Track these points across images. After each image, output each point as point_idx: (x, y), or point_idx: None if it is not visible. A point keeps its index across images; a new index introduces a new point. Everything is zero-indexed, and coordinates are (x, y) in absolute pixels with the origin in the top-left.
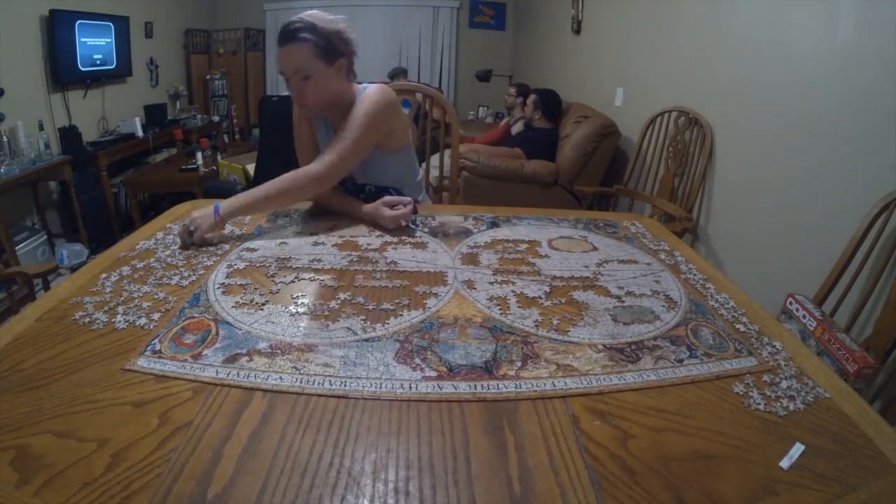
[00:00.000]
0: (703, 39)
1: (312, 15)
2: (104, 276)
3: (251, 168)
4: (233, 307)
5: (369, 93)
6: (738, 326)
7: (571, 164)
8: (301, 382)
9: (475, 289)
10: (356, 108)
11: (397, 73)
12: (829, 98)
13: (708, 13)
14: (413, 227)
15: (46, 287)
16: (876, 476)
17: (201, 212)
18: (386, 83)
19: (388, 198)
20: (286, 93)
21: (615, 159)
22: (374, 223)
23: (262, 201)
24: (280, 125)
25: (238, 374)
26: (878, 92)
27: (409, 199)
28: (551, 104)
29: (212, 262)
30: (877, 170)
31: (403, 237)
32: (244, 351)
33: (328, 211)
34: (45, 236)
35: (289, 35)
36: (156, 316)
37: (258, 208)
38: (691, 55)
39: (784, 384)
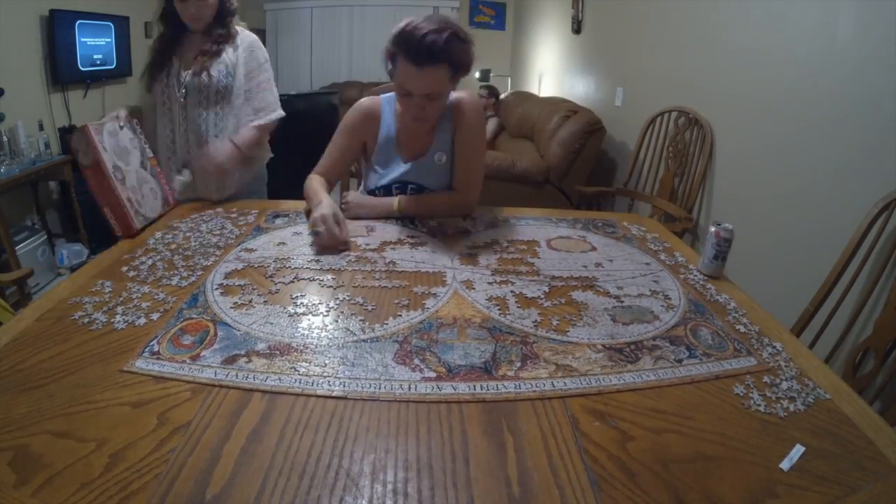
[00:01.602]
0: (704, 40)
1: (449, 26)
2: (104, 276)
3: None
4: (231, 308)
5: (478, 108)
6: (738, 327)
7: (559, 161)
8: (300, 383)
9: (474, 289)
10: (473, 128)
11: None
12: (830, 98)
13: (708, 13)
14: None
15: (22, 293)
16: (876, 477)
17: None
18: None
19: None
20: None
21: (603, 157)
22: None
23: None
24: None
25: (236, 376)
26: (879, 92)
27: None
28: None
29: (210, 262)
30: (877, 169)
31: (402, 237)
32: (243, 352)
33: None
34: (45, 236)
35: (429, 55)
36: (155, 316)
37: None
38: (691, 55)
39: (784, 385)
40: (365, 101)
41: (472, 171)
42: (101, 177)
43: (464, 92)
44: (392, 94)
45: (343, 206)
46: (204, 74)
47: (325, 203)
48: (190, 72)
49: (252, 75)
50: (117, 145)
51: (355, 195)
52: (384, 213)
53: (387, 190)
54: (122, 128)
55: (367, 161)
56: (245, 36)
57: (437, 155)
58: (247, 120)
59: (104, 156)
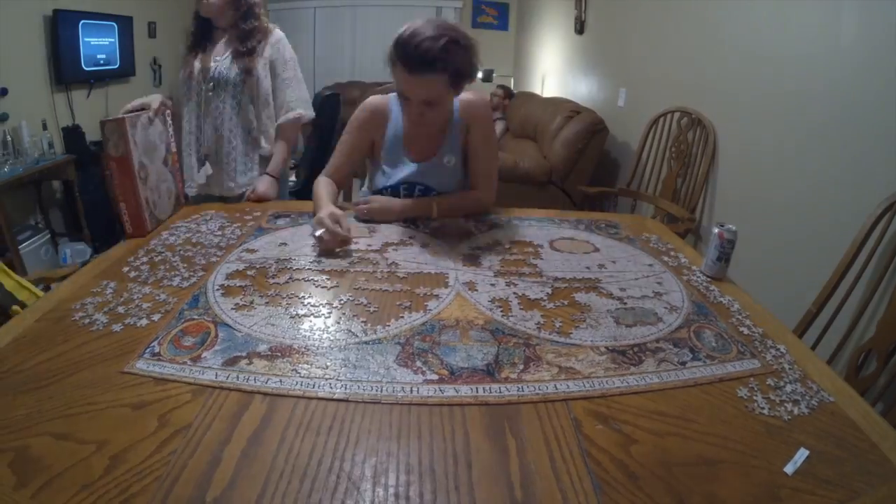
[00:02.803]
0: (707, 40)
1: (448, 32)
2: (105, 276)
3: None
4: (232, 309)
5: (487, 108)
6: (741, 329)
7: (562, 162)
8: (301, 385)
9: (476, 290)
10: (485, 129)
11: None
12: (832, 99)
13: (711, 14)
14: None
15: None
16: (881, 481)
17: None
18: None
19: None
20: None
21: (606, 158)
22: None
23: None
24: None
25: (238, 377)
26: (881, 93)
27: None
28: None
29: (211, 263)
30: (880, 170)
31: (404, 238)
32: (244, 353)
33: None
34: (49, 235)
35: (425, 63)
36: (156, 317)
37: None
38: (694, 56)
39: (788, 388)
40: (374, 99)
41: (490, 170)
42: (126, 173)
43: (472, 92)
44: None
45: (363, 211)
46: (237, 70)
47: (324, 208)
48: (217, 64)
49: (276, 72)
50: (146, 140)
51: (380, 199)
52: (419, 215)
53: (394, 190)
54: (152, 121)
55: (374, 160)
56: (273, 33)
57: (446, 157)
58: (268, 119)
59: (134, 152)
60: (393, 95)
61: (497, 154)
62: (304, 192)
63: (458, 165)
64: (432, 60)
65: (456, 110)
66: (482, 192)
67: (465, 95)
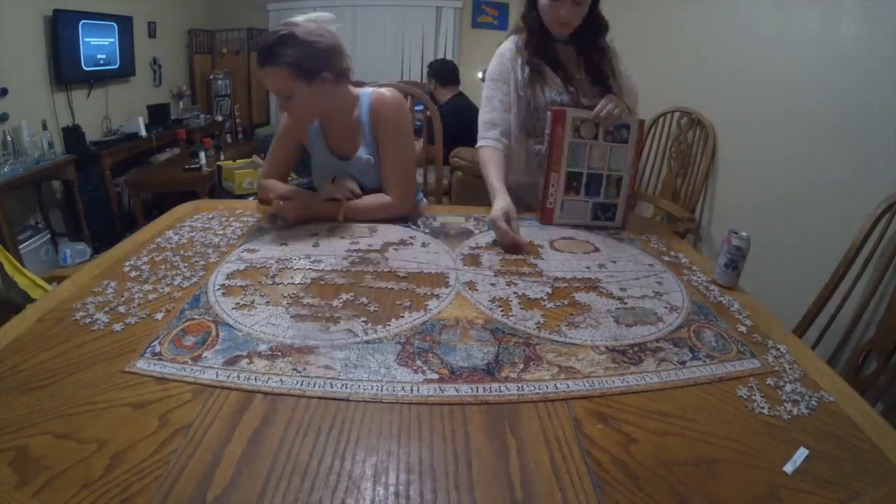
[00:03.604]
0: (706, 40)
1: (291, 26)
2: (106, 276)
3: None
4: (233, 309)
5: (395, 107)
6: (741, 329)
7: None
8: (301, 385)
9: (477, 290)
10: (389, 128)
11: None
12: (832, 99)
13: (710, 13)
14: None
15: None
16: (880, 481)
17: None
18: (383, 86)
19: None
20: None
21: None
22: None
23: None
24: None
25: (238, 377)
26: (881, 93)
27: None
28: (443, 70)
29: (212, 263)
30: (880, 171)
31: (405, 238)
32: (244, 353)
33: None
34: (49, 235)
35: (263, 57)
36: (157, 317)
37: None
38: (694, 55)
39: (788, 388)
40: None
41: (395, 171)
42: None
43: (386, 90)
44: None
45: (280, 205)
46: None
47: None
48: None
49: None
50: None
51: (300, 193)
52: (326, 217)
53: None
54: None
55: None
56: None
57: (365, 157)
58: None
59: None
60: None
61: (407, 152)
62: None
63: (377, 166)
64: (268, 54)
65: (364, 108)
66: (392, 195)
67: (377, 93)
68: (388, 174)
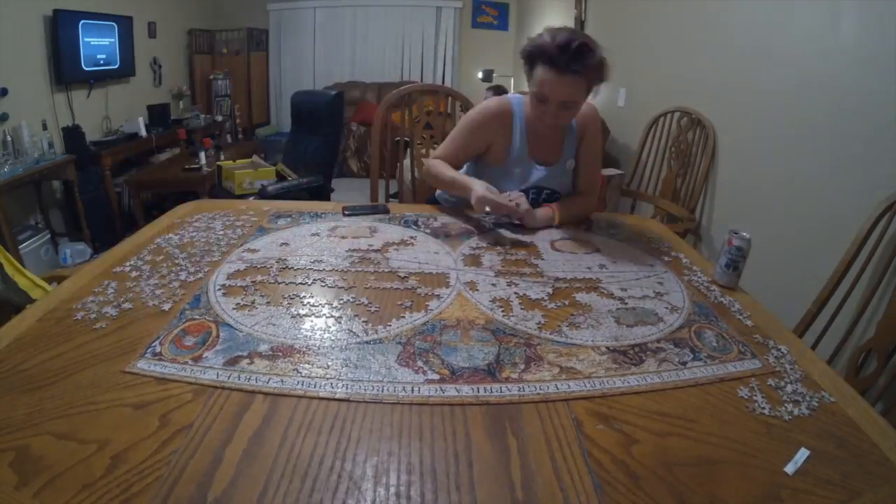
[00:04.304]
0: (706, 40)
1: (579, 35)
2: (106, 276)
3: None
4: (233, 309)
5: (598, 116)
6: (742, 329)
7: None
8: (302, 385)
9: (477, 290)
10: (597, 136)
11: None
12: (832, 99)
13: (710, 14)
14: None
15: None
16: (881, 481)
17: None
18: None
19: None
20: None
21: (606, 157)
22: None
23: None
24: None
25: (239, 377)
26: (881, 93)
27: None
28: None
29: (213, 263)
30: (880, 171)
31: (406, 238)
32: (245, 353)
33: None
34: (49, 235)
35: (567, 64)
36: (157, 317)
37: None
38: (694, 56)
39: (789, 388)
40: (495, 103)
41: (597, 176)
42: None
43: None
44: (519, 96)
45: (515, 212)
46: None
47: (476, 184)
48: None
49: None
50: None
51: (522, 198)
52: (544, 225)
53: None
54: None
55: (485, 162)
56: None
57: (568, 161)
58: None
59: None
60: (515, 99)
61: (601, 161)
62: (319, 190)
63: (572, 168)
64: (574, 62)
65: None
66: (589, 197)
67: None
68: (590, 176)
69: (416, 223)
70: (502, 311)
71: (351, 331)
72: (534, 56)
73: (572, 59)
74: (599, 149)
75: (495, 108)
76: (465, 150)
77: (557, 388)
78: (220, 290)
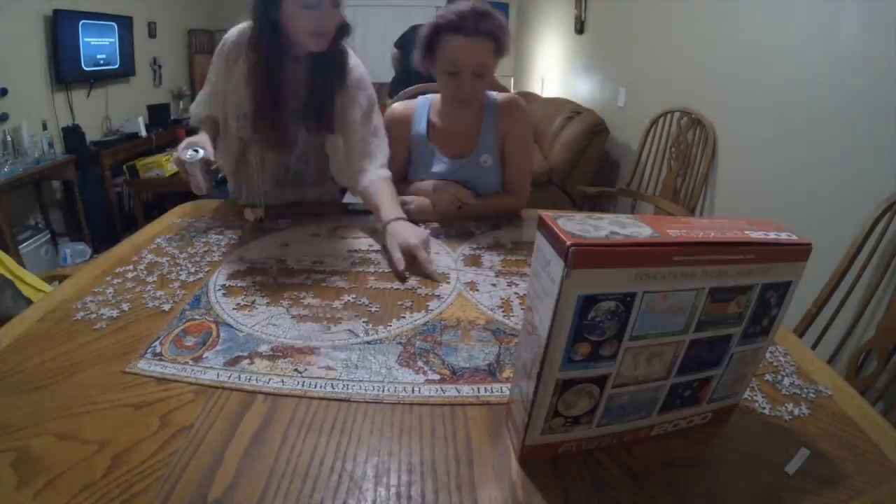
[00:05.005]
0: (706, 40)
1: (488, 5)
2: (107, 276)
3: None
4: (234, 309)
5: (523, 109)
6: None
7: (563, 163)
8: (303, 385)
9: (478, 290)
10: (522, 130)
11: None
12: (832, 99)
13: (710, 14)
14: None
15: None
16: (881, 481)
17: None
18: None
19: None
20: None
21: (606, 158)
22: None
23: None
24: None
25: (239, 377)
26: (881, 93)
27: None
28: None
29: (213, 263)
30: (880, 171)
31: None
32: (245, 354)
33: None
34: (49, 235)
35: (479, 27)
36: (157, 317)
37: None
38: (694, 56)
39: (789, 388)
40: (399, 107)
41: (524, 173)
42: None
43: (508, 94)
44: (431, 96)
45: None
46: None
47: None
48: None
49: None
50: None
51: (418, 199)
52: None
53: None
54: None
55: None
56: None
57: (483, 157)
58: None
59: None
60: (423, 99)
61: (532, 156)
62: None
63: (495, 165)
64: (478, 25)
65: (492, 109)
66: (515, 196)
67: (504, 96)
68: (518, 174)
69: (416, 224)
70: (503, 312)
71: (351, 331)
72: (438, 31)
73: (477, 21)
74: (527, 143)
75: (397, 113)
76: (396, 156)
77: None
78: (220, 290)
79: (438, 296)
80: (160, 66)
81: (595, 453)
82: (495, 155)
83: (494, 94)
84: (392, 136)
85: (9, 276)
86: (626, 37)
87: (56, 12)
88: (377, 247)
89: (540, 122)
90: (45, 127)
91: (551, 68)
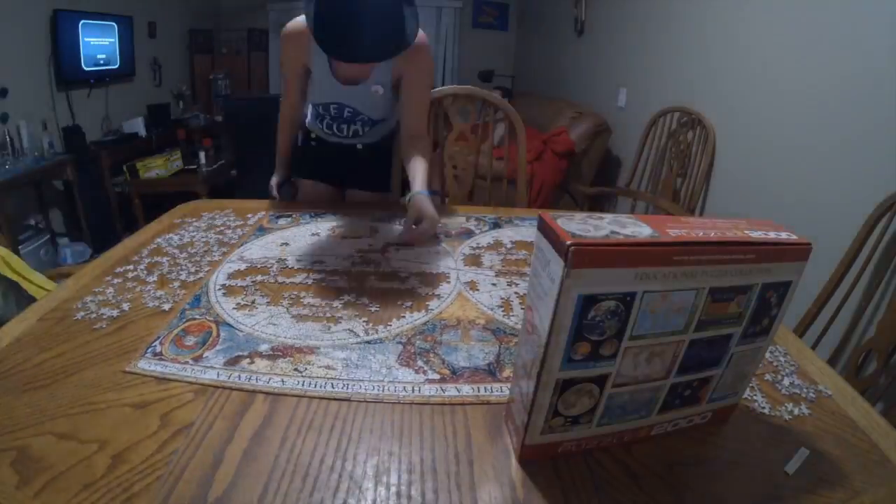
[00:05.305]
0: (706, 39)
1: None
2: (107, 275)
3: None
4: (234, 309)
5: (429, 50)
6: None
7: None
8: (303, 385)
9: (478, 290)
10: (424, 69)
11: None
12: (831, 99)
13: (710, 14)
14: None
15: None
16: (881, 481)
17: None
18: None
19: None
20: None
21: (608, 158)
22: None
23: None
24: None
25: (239, 377)
26: (880, 93)
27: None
28: None
29: (213, 263)
30: (880, 171)
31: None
32: (245, 353)
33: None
34: (49, 235)
35: None
36: (157, 317)
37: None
38: (693, 55)
39: (789, 388)
40: (290, 24)
41: (424, 111)
42: None
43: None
44: None
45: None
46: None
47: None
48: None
49: None
50: None
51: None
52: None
53: (325, 108)
54: None
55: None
56: None
57: (374, 88)
58: None
59: None
60: None
61: (430, 93)
62: None
63: (386, 96)
64: None
65: None
66: (423, 139)
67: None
68: (419, 112)
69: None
70: (503, 311)
71: (351, 330)
72: None
73: None
74: (425, 86)
75: (290, 30)
76: (294, 84)
77: None
78: (220, 289)
79: (438, 295)
80: (160, 66)
81: (595, 453)
82: (389, 87)
83: None
84: (291, 51)
85: (16, 279)
86: (625, 37)
87: (56, 12)
88: (377, 247)
89: (540, 123)
90: (45, 127)
91: (551, 69)
